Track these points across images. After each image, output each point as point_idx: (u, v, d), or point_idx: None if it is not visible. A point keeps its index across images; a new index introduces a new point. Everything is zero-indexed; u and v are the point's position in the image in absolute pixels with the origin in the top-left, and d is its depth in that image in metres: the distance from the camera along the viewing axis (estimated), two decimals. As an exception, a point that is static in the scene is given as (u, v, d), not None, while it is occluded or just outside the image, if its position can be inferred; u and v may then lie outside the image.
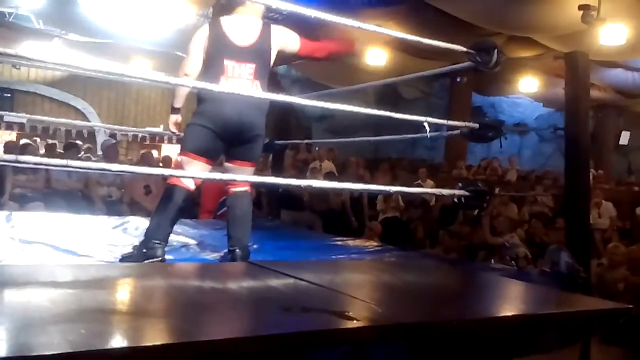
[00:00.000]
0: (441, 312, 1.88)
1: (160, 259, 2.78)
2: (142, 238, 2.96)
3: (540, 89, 9.94)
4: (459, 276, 2.91)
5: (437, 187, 6.69)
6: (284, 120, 7.05)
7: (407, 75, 4.48)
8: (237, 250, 2.95)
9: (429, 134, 3.27)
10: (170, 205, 2.90)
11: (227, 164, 3.11)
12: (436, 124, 3.45)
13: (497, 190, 7.11)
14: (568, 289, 2.95)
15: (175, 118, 3.21)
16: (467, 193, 3.16)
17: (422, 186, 7.48)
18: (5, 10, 8.72)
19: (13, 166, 5.50)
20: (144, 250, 2.81)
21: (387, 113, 3.04)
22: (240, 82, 2.97)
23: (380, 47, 8.08)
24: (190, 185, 2.95)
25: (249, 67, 3.00)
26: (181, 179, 2.90)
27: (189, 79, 2.96)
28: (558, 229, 4.94)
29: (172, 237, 3.19)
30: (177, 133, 3.24)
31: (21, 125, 10.99)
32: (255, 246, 3.73)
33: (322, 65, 9.09)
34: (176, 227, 3.20)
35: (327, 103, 2.99)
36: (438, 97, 12.61)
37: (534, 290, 2.61)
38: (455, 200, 3.23)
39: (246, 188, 3.15)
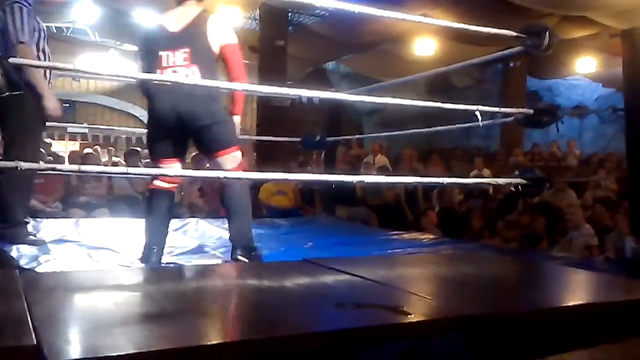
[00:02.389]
0: (500, 304, 1.85)
1: (155, 263, 2.80)
2: (201, 238, 3.04)
3: (598, 69, 9.57)
4: (519, 267, 2.85)
5: (494, 175, 6.55)
6: (334, 116, 7.05)
7: (457, 64, 4.38)
8: (238, 249, 2.84)
9: (481, 123, 3.21)
10: (153, 209, 2.92)
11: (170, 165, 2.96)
12: (490, 111, 3.39)
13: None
14: (635, 276, 2.83)
15: None
16: (524, 181, 3.08)
17: (479, 176, 7.34)
18: (62, 26, 9.11)
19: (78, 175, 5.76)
20: (140, 256, 2.87)
21: (438, 104, 2.99)
22: (175, 70, 2.82)
23: (429, 36, 7.97)
24: (165, 185, 2.93)
25: (183, 52, 2.84)
26: (155, 181, 2.94)
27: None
28: (622, 213, 4.75)
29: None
30: None
31: (84, 135, 11.45)
32: (310, 243, 3.77)
33: (370, 60, 9.05)
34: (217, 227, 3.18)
35: (376, 98, 2.97)
36: (491, 84, 12.32)
37: (598, 278, 2.53)
38: (513, 189, 3.16)
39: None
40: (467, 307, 1.72)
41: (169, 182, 2.96)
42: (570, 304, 2.04)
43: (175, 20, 2.89)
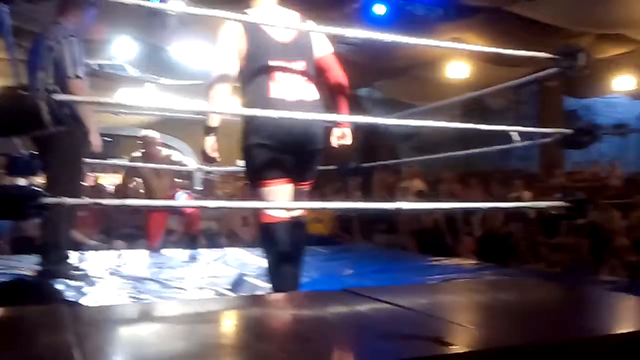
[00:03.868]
0: (547, 333, 1.80)
1: None
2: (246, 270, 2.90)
3: (637, 86, 9.37)
4: (565, 292, 2.77)
5: (534, 198, 6.43)
6: (370, 142, 7.08)
7: (492, 87, 4.36)
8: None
9: (519, 144, 3.18)
10: (279, 246, 2.55)
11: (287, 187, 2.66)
12: (528, 132, 3.35)
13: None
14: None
15: (212, 141, 2.61)
16: (567, 204, 3.02)
17: (519, 198, 7.21)
18: (102, 62, 9.42)
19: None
20: None
21: (474, 125, 2.98)
22: (294, 86, 2.57)
23: (461, 59, 7.96)
24: (284, 215, 2.60)
25: (300, 67, 2.60)
26: (271, 212, 2.58)
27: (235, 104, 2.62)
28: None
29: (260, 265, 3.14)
30: (218, 159, 2.68)
31: (129, 171, 11.69)
32: (350, 271, 3.76)
33: (403, 84, 9.07)
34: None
35: (412, 120, 2.98)
36: (527, 105, 12.15)
37: (649, 303, 2.44)
38: (555, 212, 3.09)
39: (302, 212, 2.73)
40: (512, 337, 1.68)
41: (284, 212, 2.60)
42: (620, 331, 1.97)
43: (280, 28, 2.60)
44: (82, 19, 3.48)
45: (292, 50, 2.61)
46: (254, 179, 2.65)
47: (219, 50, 2.59)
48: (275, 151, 2.56)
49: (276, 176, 2.59)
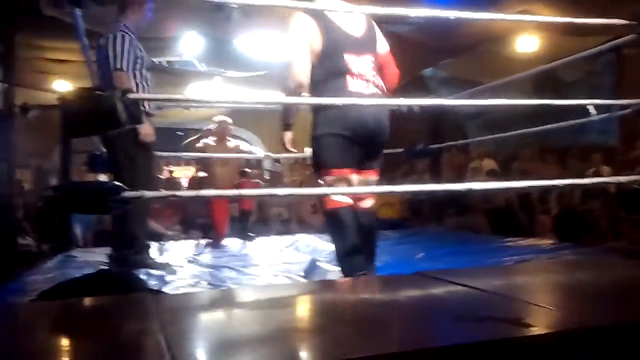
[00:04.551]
0: (627, 313, 1.73)
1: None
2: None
3: None
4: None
5: (614, 172, 6.14)
6: (436, 123, 6.94)
7: (564, 59, 4.17)
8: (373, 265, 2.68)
9: (596, 117, 3.05)
10: (346, 230, 2.60)
11: (352, 176, 2.72)
12: (605, 104, 3.20)
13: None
14: None
15: (290, 136, 2.82)
16: (648, 178, 2.87)
17: (597, 173, 6.89)
18: (172, 60, 9.70)
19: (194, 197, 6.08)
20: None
21: (548, 101, 2.88)
22: (367, 80, 2.64)
23: (530, 32, 7.65)
24: (349, 201, 2.65)
25: (369, 61, 2.66)
26: (336, 198, 2.62)
27: (305, 91, 2.64)
28: None
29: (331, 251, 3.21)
30: (295, 151, 2.88)
31: (198, 160, 12.05)
32: (421, 254, 3.73)
33: (469, 62, 8.83)
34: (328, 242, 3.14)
35: (481, 100, 2.92)
36: (603, 75, 11.55)
37: None
38: (636, 186, 2.95)
39: (373, 202, 2.84)
40: (592, 318, 1.62)
41: (351, 198, 2.66)
42: None
43: (353, 22, 2.68)
44: (141, 16, 3.58)
45: (363, 44, 2.69)
46: (322, 167, 2.71)
47: (295, 45, 2.64)
48: (347, 141, 2.63)
49: (344, 166, 2.65)
